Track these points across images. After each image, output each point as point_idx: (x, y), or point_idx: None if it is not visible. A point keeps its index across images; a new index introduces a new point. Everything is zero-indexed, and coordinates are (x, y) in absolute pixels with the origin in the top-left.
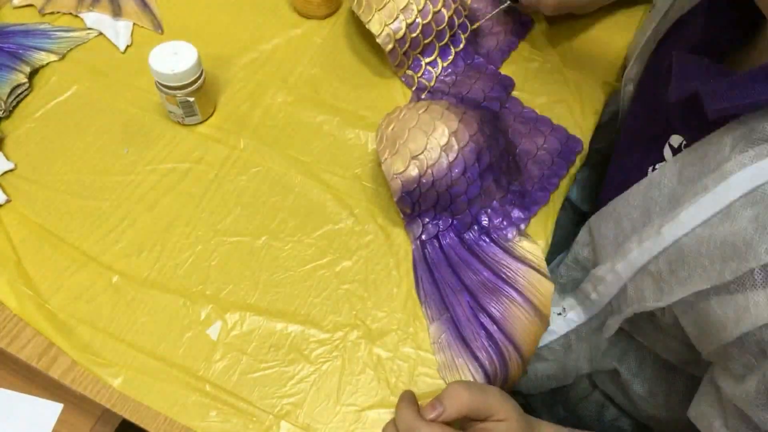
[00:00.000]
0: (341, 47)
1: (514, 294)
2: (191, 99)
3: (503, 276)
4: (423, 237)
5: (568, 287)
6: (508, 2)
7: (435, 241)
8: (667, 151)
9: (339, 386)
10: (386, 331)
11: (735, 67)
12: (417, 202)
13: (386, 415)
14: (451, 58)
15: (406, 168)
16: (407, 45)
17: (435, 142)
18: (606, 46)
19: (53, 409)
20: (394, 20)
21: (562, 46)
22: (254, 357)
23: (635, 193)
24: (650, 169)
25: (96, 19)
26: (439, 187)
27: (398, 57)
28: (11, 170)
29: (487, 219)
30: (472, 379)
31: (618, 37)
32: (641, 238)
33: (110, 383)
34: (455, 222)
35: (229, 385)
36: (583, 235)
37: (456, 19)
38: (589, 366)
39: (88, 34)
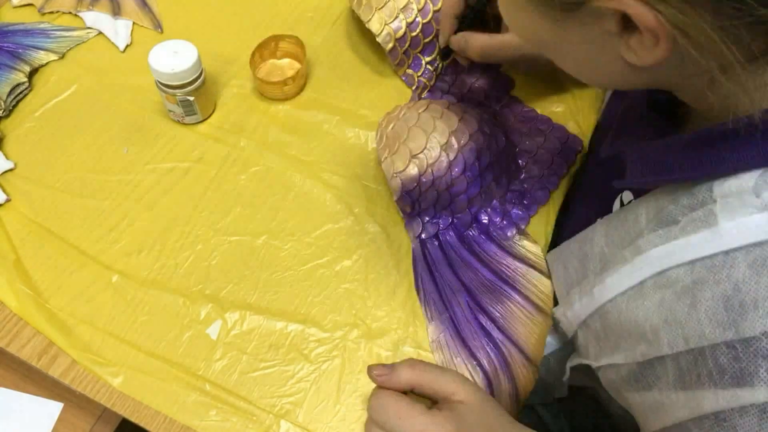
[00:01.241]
0: (341, 46)
1: (514, 293)
2: (191, 98)
3: (503, 275)
4: (423, 236)
5: None
6: (438, 58)
7: (435, 240)
8: (616, 206)
9: (339, 385)
10: (386, 331)
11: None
12: (417, 201)
13: None
14: (451, 56)
15: (405, 167)
16: (407, 44)
17: (435, 141)
18: None
19: (53, 408)
20: (394, 19)
21: None
22: (254, 356)
23: (574, 243)
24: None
25: (95, 18)
26: (439, 186)
27: (398, 56)
28: (11, 169)
29: (487, 218)
30: (470, 379)
31: None
32: (581, 291)
33: (110, 382)
34: (455, 221)
35: (228, 385)
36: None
37: None
38: (562, 392)
39: (88, 33)
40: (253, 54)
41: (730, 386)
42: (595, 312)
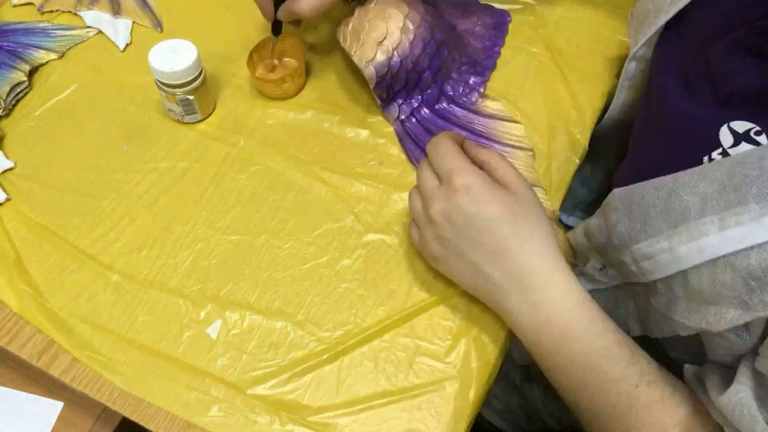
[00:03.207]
0: (341, 46)
1: (491, 143)
2: (191, 97)
3: (477, 131)
4: (401, 117)
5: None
6: (272, 36)
7: (412, 117)
8: (725, 137)
9: (338, 384)
10: (386, 330)
11: None
12: (390, 86)
13: (386, 409)
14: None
15: (374, 54)
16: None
17: (393, 26)
18: (604, 43)
19: (53, 407)
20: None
21: (559, 45)
22: (254, 356)
23: (715, 167)
24: (705, 158)
25: (95, 17)
26: (406, 65)
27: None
28: (11, 169)
29: (451, 89)
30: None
31: (616, 34)
32: (724, 221)
33: (110, 381)
34: (425, 97)
35: (228, 384)
36: (612, 203)
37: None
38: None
39: (88, 32)
40: (250, 54)
41: None
42: (761, 245)
